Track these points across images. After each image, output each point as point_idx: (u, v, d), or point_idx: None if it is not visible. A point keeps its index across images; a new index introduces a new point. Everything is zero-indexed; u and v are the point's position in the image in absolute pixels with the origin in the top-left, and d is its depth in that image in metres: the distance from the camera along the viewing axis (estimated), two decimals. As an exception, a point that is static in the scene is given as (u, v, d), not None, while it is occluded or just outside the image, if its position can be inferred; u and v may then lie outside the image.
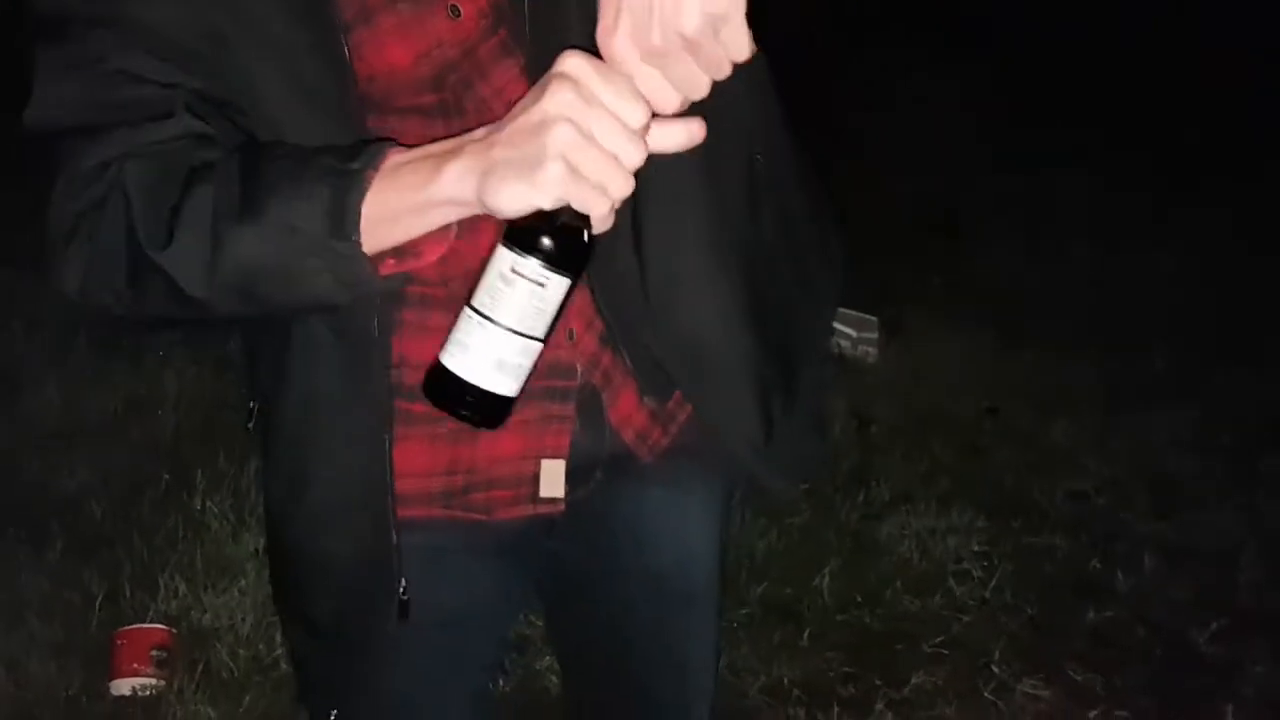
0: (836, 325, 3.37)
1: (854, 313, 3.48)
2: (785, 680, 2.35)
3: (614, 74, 0.83)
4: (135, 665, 2.27)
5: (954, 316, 3.66)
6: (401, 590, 1.13)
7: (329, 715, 1.25)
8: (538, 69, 0.87)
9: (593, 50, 0.85)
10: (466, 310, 0.88)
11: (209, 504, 2.70)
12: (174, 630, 2.36)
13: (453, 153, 0.87)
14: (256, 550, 2.53)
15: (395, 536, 1.10)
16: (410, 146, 0.91)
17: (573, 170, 0.83)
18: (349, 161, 0.89)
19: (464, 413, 0.90)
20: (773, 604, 2.53)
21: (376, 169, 0.89)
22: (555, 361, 1.09)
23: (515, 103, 0.98)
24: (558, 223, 0.85)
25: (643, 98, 0.84)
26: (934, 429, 3.14)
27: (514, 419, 0.93)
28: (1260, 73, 5.11)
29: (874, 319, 3.53)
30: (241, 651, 2.34)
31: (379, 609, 1.14)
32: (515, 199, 0.84)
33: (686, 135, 0.88)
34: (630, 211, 0.89)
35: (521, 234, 0.86)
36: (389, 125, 0.98)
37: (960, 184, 4.58)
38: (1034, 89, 5.23)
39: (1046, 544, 2.74)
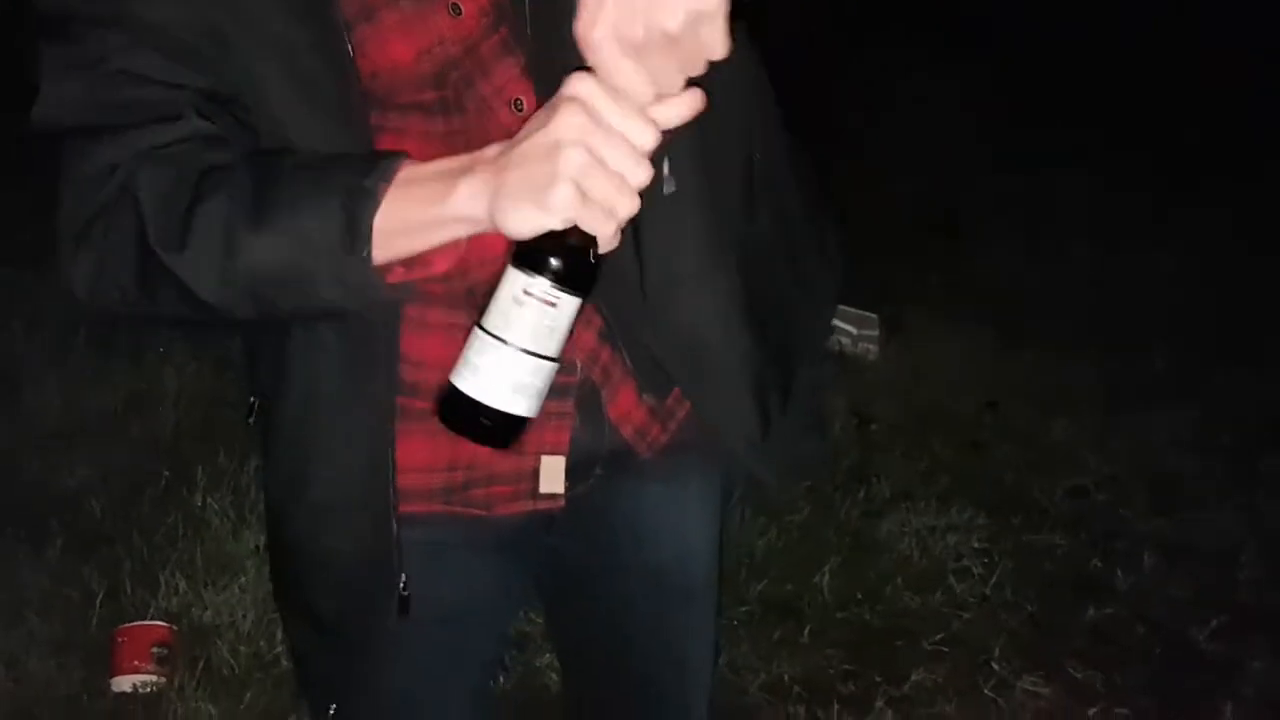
0: (837, 323, 3.37)
1: (854, 310, 3.49)
2: (785, 677, 2.36)
3: (621, 97, 0.84)
4: (136, 662, 2.28)
5: (954, 316, 3.66)
6: (402, 586, 1.13)
7: (328, 710, 1.26)
8: (538, 68, 0.88)
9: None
10: (477, 332, 0.89)
11: (209, 501, 2.71)
12: (175, 627, 2.37)
13: (465, 171, 0.89)
14: (257, 547, 2.53)
15: (395, 532, 1.10)
16: (420, 160, 0.92)
17: (582, 193, 0.84)
18: (362, 176, 0.91)
19: (480, 435, 0.91)
20: (773, 601, 2.53)
21: (389, 182, 0.90)
22: (555, 358, 1.09)
23: (515, 101, 0.98)
24: (567, 243, 0.87)
25: (650, 120, 0.85)
26: (934, 427, 3.14)
27: None
28: (1260, 73, 5.10)
29: (874, 316, 3.53)
30: (242, 648, 2.35)
31: (379, 605, 1.14)
32: (526, 221, 0.86)
33: (684, 111, 0.88)
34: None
35: (531, 255, 0.87)
36: (390, 122, 0.99)
37: (960, 184, 4.58)
38: (1034, 89, 5.22)
39: (1046, 542, 2.75)
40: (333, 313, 0.99)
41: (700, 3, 0.81)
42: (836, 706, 2.28)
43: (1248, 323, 3.68)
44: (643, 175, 0.86)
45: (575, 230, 0.87)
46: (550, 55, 0.87)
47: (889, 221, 4.09)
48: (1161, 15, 5.51)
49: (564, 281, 0.87)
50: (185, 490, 2.75)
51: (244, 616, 2.41)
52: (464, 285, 1.04)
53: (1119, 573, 2.64)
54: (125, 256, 0.96)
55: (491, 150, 0.89)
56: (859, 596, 2.55)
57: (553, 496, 1.17)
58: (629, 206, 0.86)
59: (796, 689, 2.33)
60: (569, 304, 0.88)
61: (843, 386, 3.23)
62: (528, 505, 1.17)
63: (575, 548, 1.26)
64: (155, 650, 2.29)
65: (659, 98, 0.86)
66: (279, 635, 2.32)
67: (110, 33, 0.94)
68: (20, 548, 2.55)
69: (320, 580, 1.19)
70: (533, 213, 0.85)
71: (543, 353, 0.89)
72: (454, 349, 1.05)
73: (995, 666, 2.39)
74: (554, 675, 2.26)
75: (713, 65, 0.84)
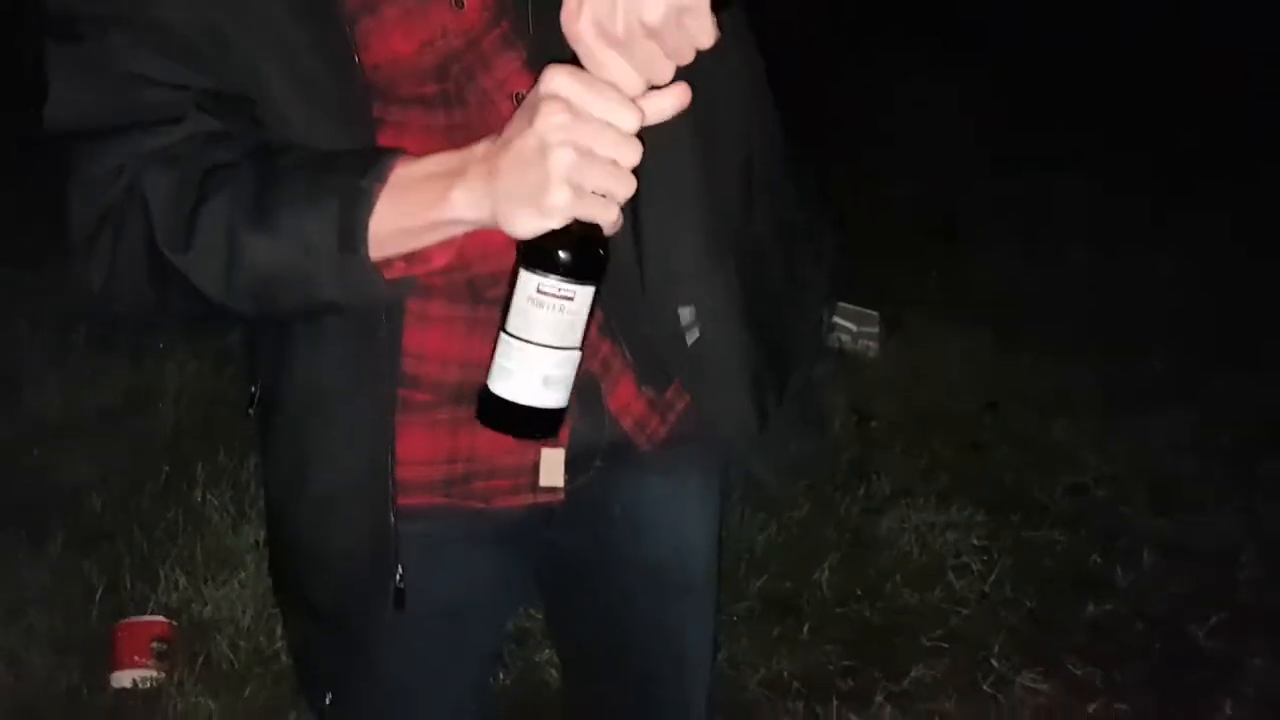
0: (837, 320, 3.38)
1: (854, 308, 3.49)
2: (785, 673, 2.36)
3: (599, 82, 0.84)
4: (136, 657, 2.28)
5: (953, 318, 3.67)
6: (398, 579, 1.13)
7: (325, 701, 1.26)
8: (539, 61, 0.88)
9: None
10: (503, 336, 0.91)
11: (209, 497, 2.71)
12: (174, 623, 2.37)
13: (459, 173, 0.89)
14: (256, 543, 2.53)
15: (394, 525, 1.10)
16: (416, 155, 0.93)
17: (578, 189, 0.85)
18: (357, 176, 0.92)
19: (520, 431, 0.94)
20: (772, 598, 2.53)
21: (384, 182, 0.91)
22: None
23: (517, 95, 0.99)
24: (572, 237, 0.88)
25: (632, 101, 0.85)
26: (934, 425, 3.14)
27: None
28: (1259, 76, 5.11)
29: (874, 314, 3.54)
30: (242, 644, 2.35)
31: (376, 597, 1.14)
32: (528, 225, 0.87)
33: (671, 102, 0.88)
34: (630, 207, 0.90)
35: (540, 254, 0.89)
36: (392, 115, 0.99)
37: (959, 187, 4.58)
38: (1032, 92, 5.23)
39: (1046, 539, 2.75)
40: (335, 310, 0.99)
41: None
42: (836, 703, 2.28)
43: (1246, 325, 3.68)
44: (634, 155, 0.86)
45: (577, 222, 0.87)
46: (551, 49, 0.87)
47: (888, 224, 4.10)
48: (1160, 19, 5.52)
49: (575, 274, 0.89)
50: (185, 486, 2.75)
51: (244, 612, 2.41)
52: (465, 279, 1.05)
53: (1118, 570, 2.64)
54: (135, 257, 0.97)
55: (481, 148, 0.90)
56: (858, 593, 2.55)
57: (552, 489, 1.17)
58: (626, 189, 0.87)
59: (796, 685, 2.33)
60: (584, 294, 0.90)
61: (843, 383, 3.23)
62: (527, 498, 1.17)
63: (574, 541, 1.26)
64: (155, 645, 2.29)
65: (648, 87, 0.86)
66: (278, 631, 2.32)
67: (114, 34, 0.95)
68: (21, 544, 2.55)
69: (318, 571, 1.19)
70: (532, 216, 0.86)
71: (567, 345, 0.91)
72: (454, 342, 1.06)
73: (995, 663, 2.39)
74: (554, 671, 2.26)
75: (705, 56, 0.84)
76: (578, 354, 0.92)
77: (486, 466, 1.14)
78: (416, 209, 0.91)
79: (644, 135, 0.87)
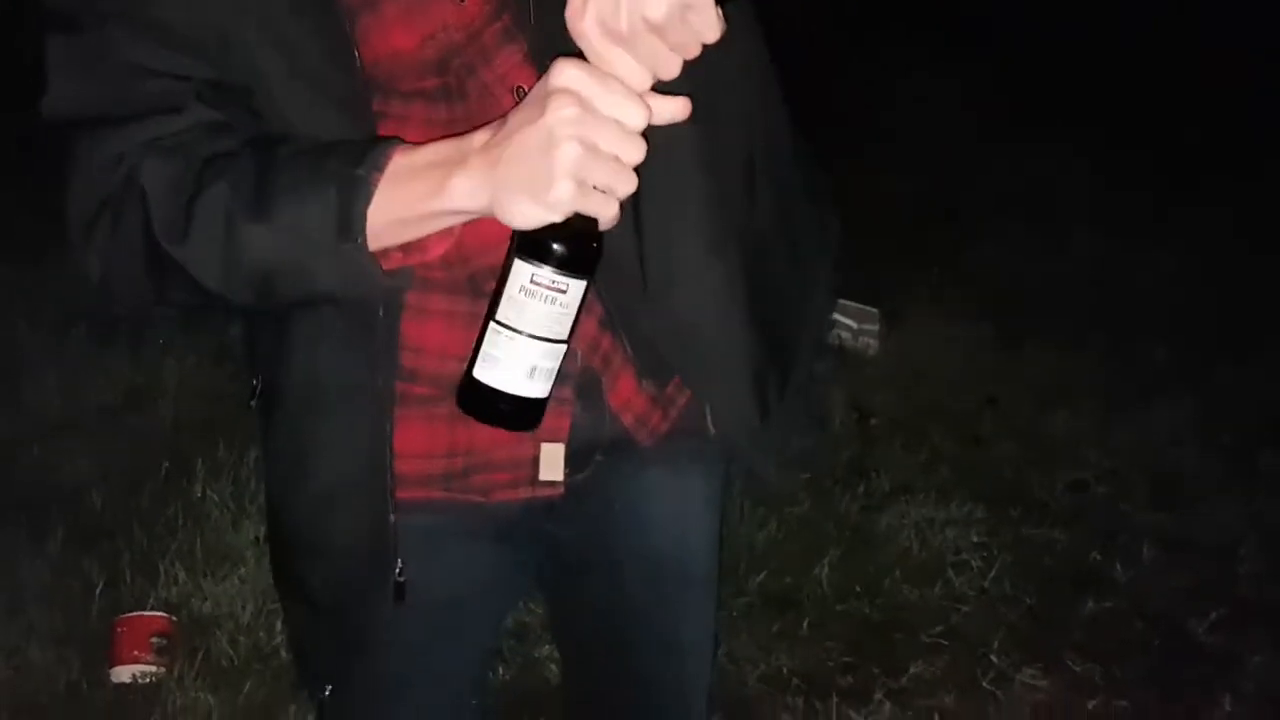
0: (837, 317, 3.38)
1: (855, 304, 3.49)
2: (784, 669, 2.36)
3: (610, 78, 0.84)
4: (135, 653, 2.28)
5: (954, 313, 3.67)
6: (398, 572, 1.14)
7: (324, 694, 1.26)
8: (540, 55, 0.88)
9: None
10: (492, 325, 0.91)
11: (209, 492, 2.71)
12: (174, 618, 2.37)
13: (459, 162, 0.89)
14: (256, 538, 2.54)
15: (393, 518, 1.10)
16: (415, 144, 0.93)
17: (581, 184, 0.85)
18: (355, 165, 0.91)
19: (502, 421, 0.94)
20: (772, 594, 2.53)
21: (381, 170, 0.91)
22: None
23: (518, 88, 0.98)
24: (569, 229, 0.88)
25: (640, 98, 0.85)
26: (934, 421, 3.14)
27: None
28: (1260, 72, 5.10)
29: (875, 311, 3.54)
30: (241, 639, 2.35)
31: (375, 590, 1.15)
32: (527, 216, 0.87)
33: (675, 109, 0.89)
34: (631, 200, 0.90)
35: (535, 245, 0.88)
36: (393, 109, 0.99)
37: (961, 183, 4.58)
38: (1034, 88, 5.23)
39: (1046, 535, 2.75)
40: (333, 300, 0.99)
41: None
42: (835, 698, 2.28)
43: (1248, 320, 3.68)
44: (638, 153, 0.86)
45: (576, 215, 0.87)
46: (552, 42, 0.87)
47: (890, 219, 4.09)
48: (1162, 15, 5.51)
49: (569, 266, 0.89)
50: (185, 482, 2.75)
51: (243, 607, 2.41)
52: (465, 273, 1.05)
53: (1118, 566, 2.64)
54: (134, 247, 0.97)
55: (480, 137, 0.89)
56: (858, 589, 2.55)
57: (552, 484, 1.17)
58: (627, 186, 0.87)
59: (795, 681, 2.33)
60: (577, 287, 0.90)
61: (843, 380, 3.24)
62: (527, 492, 1.17)
63: (574, 535, 1.26)
64: (155, 641, 2.29)
65: (655, 81, 0.86)
66: (278, 626, 2.32)
67: (115, 26, 0.95)
68: (21, 539, 2.55)
69: (318, 564, 1.19)
70: (533, 208, 0.86)
71: (555, 337, 0.91)
72: (454, 335, 1.06)
73: (994, 659, 2.39)
74: (553, 666, 2.26)
75: (710, 49, 0.84)
76: (564, 348, 0.92)
77: (485, 460, 1.14)
78: (415, 198, 0.91)
79: (647, 130, 0.87)
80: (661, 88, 0.87)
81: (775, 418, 1.18)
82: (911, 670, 2.36)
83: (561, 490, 1.17)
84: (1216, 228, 4.17)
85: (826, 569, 2.59)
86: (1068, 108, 5.21)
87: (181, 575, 2.49)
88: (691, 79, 0.87)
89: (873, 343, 3.53)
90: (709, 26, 0.82)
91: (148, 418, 3.02)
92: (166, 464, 2.80)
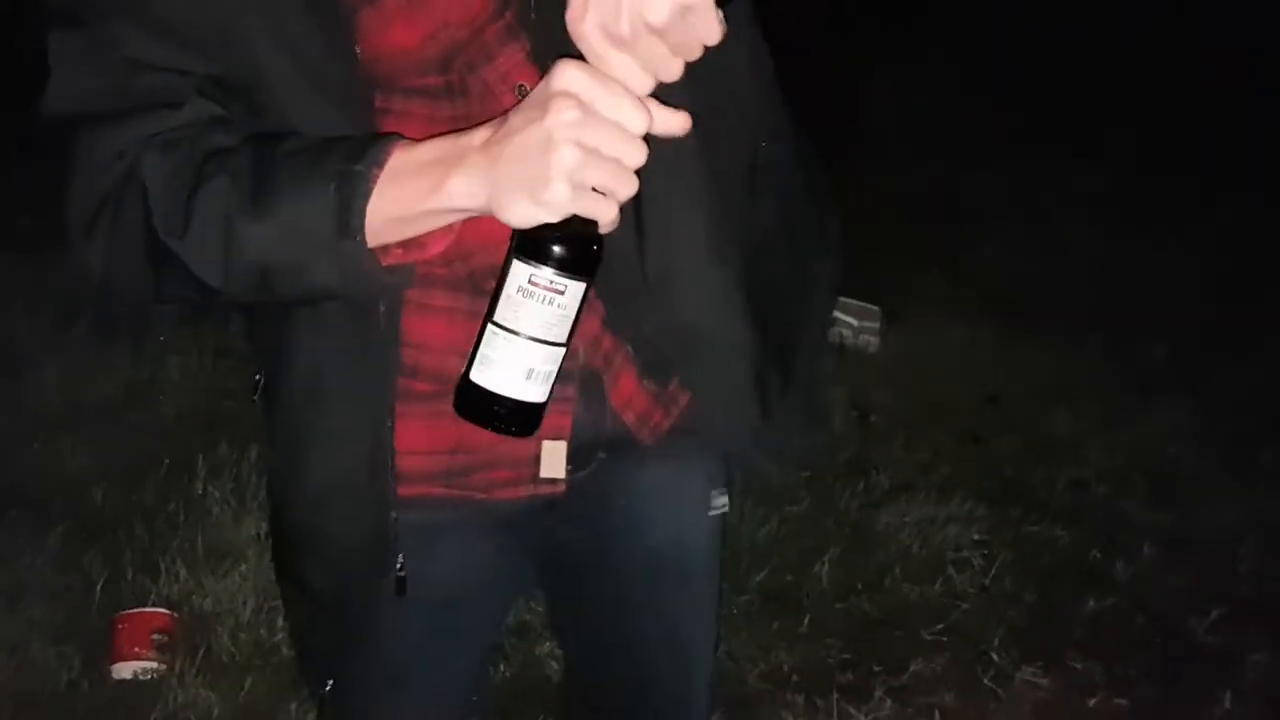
0: (838, 315, 3.38)
1: (855, 302, 3.49)
2: (784, 667, 2.36)
3: (612, 81, 0.84)
4: (136, 649, 2.28)
5: (955, 310, 3.67)
6: (399, 567, 1.14)
7: (324, 688, 1.26)
8: (542, 53, 0.87)
9: None
10: (490, 326, 0.90)
11: (210, 489, 2.71)
12: (175, 614, 2.37)
13: (458, 160, 0.89)
14: (258, 535, 2.54)
15: (394, 513, 1.11)
16: (415, 140, 0.93)
17: (578, 186, 0.85)
18: (354, 162, 0.91)
19: (499, 424, 0.93)
20: (772, 591, 2.54)
21: (381, 167, 0.91)
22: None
23: (520, 86, 0.98)
24: (568, 230, 0.87)
25: (641, 102, 0.85)
26: (934, 419, 3.15)
27: None
28: (1260, 72, 5.11)
29: (875, 309, 3.54)
30: (242, 636, 2.35)
31: (376, 585, 1.15)
32: (525, 215, 0.86)
33: (675, 123, 0.88)
34: (632, 201, 0.90)
35: (534, 245, 0.88)
36: (395, 105, 0.99)
37: (961, 178, 4.59)
38: (1036, 83, 5.23)
39: (1046, 533, 2.75)
40: (332, 297, 0.99)
41: None
42: (835, 696, 2.28)
43: (1247, 320, 3.68)
44: (638, 156, 0.86)
45: (576, 216, 0.87)
46: (555, 41, 0.87)
47: (890, 215, 4.09)
48: (1162, 14, 5.52)
49: (568, 268, 0.88)
50: (186, 478, 2.75)
51: (244, 604, 2.41)
52: (466, 270, 1.05)
53: (1119, 564, 2.64)
54: (134, 242, 0.97)
55: (481, 135, 0.89)
56: (858, 587, 2.55)
57: (553, 481, 1.17)
58: (627, 189, 0.87)
59: (795, 678, 2.33)
60: (575, 289, 0.89)
61: (843, 378, 3.24)
62: (528, 490, 1.17)
63: (575, 533, 1.26)
64: (155, 637, 2.29)
65: (656, 84, 0.86)
66: (279, 623, 2.32)
67: (116, 22, 0.95)
68: (21, 535, 2.55)
69: (319, 559, 1.19)
70: (530, 208, 0.86)
71: (554, 340, 0.90)
72: (455, 332, 1.06)
73: (994, 657, 2.39)
74: (554, 664, 2.27)
75: (712, 51, 0.84)
76: (563, 351, 0.91)
77: (487, 458, 1.14)
78: (414, 195, 0.90)
79: (647, 133, 0.87)
80: (663, 89, 0.87)
81: (776, 417, 1.18)
82: (912, 668, 2.36)
83: (563, 488, 1.17)
84: (1216, 227, 4.17)
85: (827, 567, 2.59)
86: (1069, 103, 5.22)
87: (182, 572, 2.49)
88: (693, 81, 0.86)
89: (873, 341, 3.53)
90: (710, 29, 0.82)
91: (149, 414, 3.02)
92: (167, 460, 2.80)
